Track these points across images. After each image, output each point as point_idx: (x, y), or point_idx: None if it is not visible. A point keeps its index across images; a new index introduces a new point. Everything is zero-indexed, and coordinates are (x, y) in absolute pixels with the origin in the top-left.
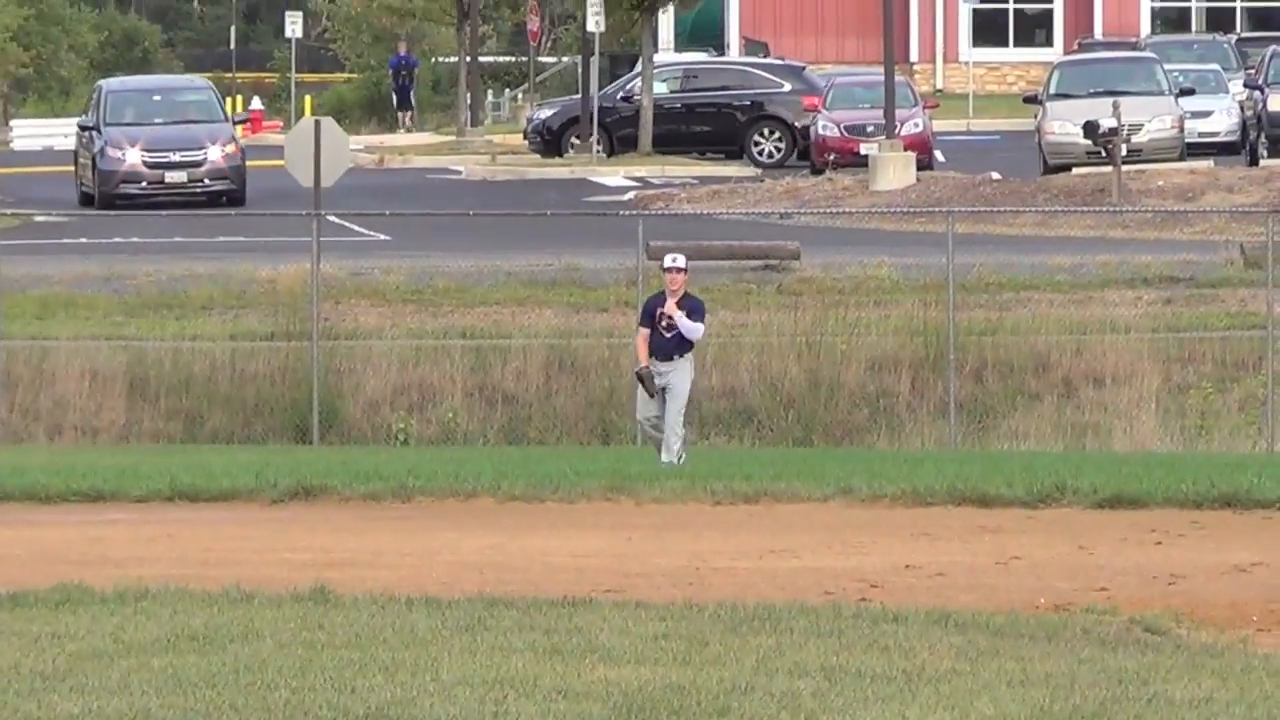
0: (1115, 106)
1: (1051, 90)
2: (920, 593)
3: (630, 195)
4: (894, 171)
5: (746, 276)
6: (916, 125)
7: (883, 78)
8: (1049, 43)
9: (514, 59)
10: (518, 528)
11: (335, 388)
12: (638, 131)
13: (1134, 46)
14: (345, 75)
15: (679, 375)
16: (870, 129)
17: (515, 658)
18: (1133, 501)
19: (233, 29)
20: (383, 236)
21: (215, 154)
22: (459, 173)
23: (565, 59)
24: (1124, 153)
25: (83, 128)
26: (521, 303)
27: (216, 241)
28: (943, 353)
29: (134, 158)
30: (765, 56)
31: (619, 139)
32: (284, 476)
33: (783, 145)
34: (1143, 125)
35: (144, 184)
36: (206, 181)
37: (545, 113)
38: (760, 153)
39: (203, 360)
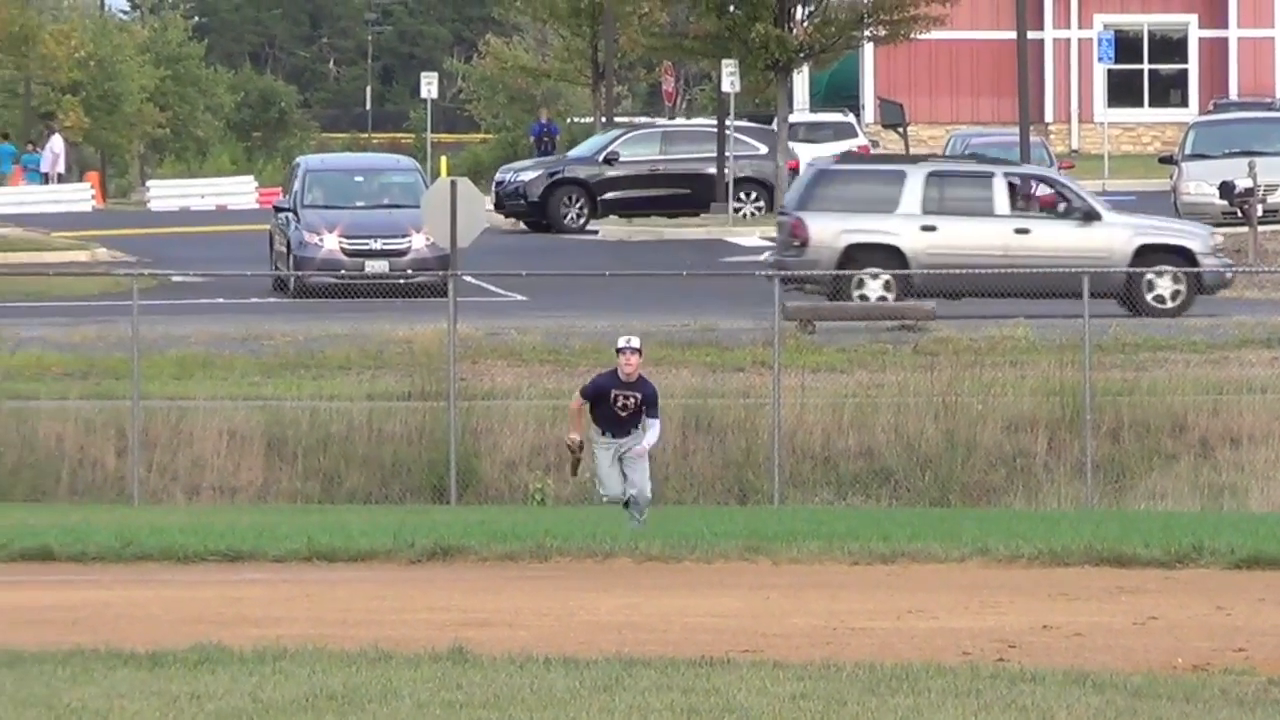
0: (1251, 167)
1: (1187, 151)
2: (1058, 653)
3: (766, 255)
4: None
5: (883, 337)
6: None
7: (1018, 138)
8: (1184, 103)
9: (649, 119)
10: (655, 588)
11: (472, 448)
12: (621, 193)
13: (1269, 107)
14: (481, 135)
15: (634, 440)
16: None
17: (653, 718)
18: (1271, 562)
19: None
20: (519, 297)
21: (419, 242)
22: (595, 233)
23: (700, 120)
24: (1260, 213)
25: (278, 209)
26: (658, 363)
27: (353, 301)
28: (1079, 413)
29: (331, 244)
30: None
31: (602, 202)
32: (422, 536)
33: (761, 206)
34: (1278, 186)
35: (341, 273)
36: (410, 272)
37: (525, 176)
38: (740, 215)
39: (340, 420)
